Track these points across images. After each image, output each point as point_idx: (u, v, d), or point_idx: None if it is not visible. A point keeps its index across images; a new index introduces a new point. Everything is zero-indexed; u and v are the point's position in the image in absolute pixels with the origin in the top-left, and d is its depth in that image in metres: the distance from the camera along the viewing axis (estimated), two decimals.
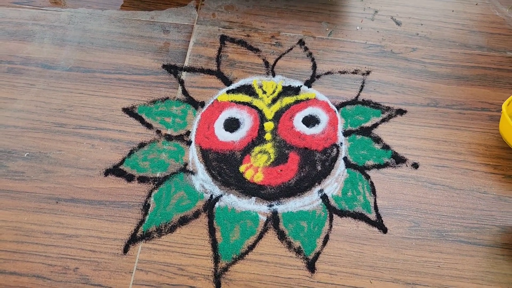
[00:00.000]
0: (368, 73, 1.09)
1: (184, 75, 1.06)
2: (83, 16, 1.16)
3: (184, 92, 1.04)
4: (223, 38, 1.13)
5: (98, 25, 1.15)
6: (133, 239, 0.85)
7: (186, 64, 1.08)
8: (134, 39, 1.12)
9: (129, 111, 1.01)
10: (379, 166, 0.95)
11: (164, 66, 1.08)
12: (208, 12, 1.18)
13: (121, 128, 0.98)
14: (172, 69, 1.08)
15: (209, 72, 1.07)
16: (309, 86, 1.06)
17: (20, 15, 1.16)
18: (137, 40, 1.12)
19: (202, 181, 0.92)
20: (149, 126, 0.99)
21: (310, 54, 1.11)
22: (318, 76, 1.08)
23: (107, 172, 0.92)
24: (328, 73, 1.08)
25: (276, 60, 1.10)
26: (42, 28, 1.14)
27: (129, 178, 0.92)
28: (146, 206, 0.89)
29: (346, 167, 0.95)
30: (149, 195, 0.90)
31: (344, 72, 1.08)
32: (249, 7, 1.20)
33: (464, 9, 1.22)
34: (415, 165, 0.95)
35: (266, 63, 1.09)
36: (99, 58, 1.09)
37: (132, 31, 1.14)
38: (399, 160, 0.96)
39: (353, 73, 1.08)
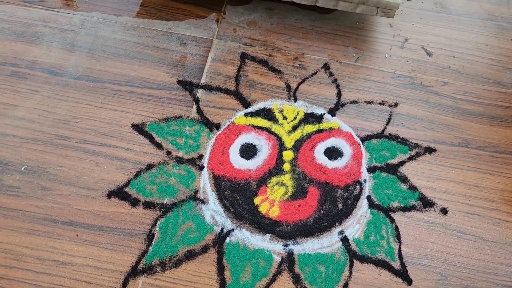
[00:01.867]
0: (396, 105, 1.02)
1: (200, 93, 0.99)
2: (96, 21, 1.09)
3: (199, 111, 0.97)
4: (243, 56, 1.06)
5: (112, 32, 1.08)
6: (134, 272, 0.77)
7: (202, 81, 1.01)
8: (149, 49, 1.05)
9: (139, 128, 0.93)
10: (405, 209, 0.88)
11: (179, 82, 1.01)
12: (229, 26, 1.11)
13: (129, 146, 0.91)
14: (188, 86, 1.00)
15: (226, 91, 1.00)
16: (333, 115, 0.99)
17: (30, 15, 1.09)
18: (152, 51, 1.05)
19: (213, 211, 0.84)
20: (159, 146, 0.91)
21: (335, 80, 1.05)
22: (343, 105, 1.01)
23: (110, 194, 0.85)
24: (353, 102, 1.01)
25: (299, 84, 1.03)
26: (51, 31, 1.06)
27: (134, 202, 0.84)
28: (150, 236, 0.81)
29: (369, 208, 0.87)
30: (155, 224, 0.82)
31: (370, 102, 1.01)
32: (273, 24, 1.13)
33: (499, 44, 1.15)
34: (444, 211, 0.88)
35: (288, 87, 1.02)
36: (110, 67, 1.01)
37: (147, 41, 1.07)
38: (426, 203, 0.89)
39: (380, 104, 1.01)
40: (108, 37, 1.07)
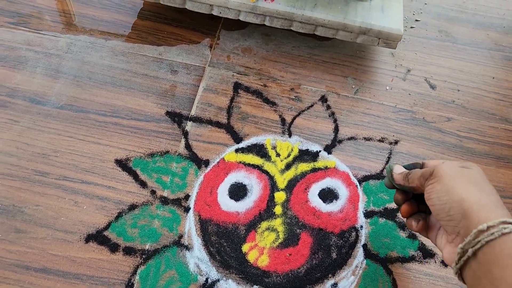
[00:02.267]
0: (396, 142, 0.96)
1: (189, 126, 0.94)
2: (83, 45, 1.04)
3: (188, 146, 0.91)
4: (236, 86, 1.01)
5: (99, 57, 1.02)
6: None
7: (192, 113, 0.96)
8: (137, 77, 1.00)
9: (123, 164, 0.88)
10: (403, 260, 0.82)
11: (167, 113, 0.96)
12: (223, 53, 1.06)
13: (111, 184, 0.85)
14: (177, 118, 0.95)
15: (217, 125, 0.95)
16: (329, 152, 0.93)
17: (14, 38, 1.04)
18: (140, 79, 1.00)
19: (198, 259, 0.79)
20: (143, 184, 0.86)
21: (333, 114, 0.99)
22: (340, 141, 0.95)
23: (89, 238, 0.79)
24: (351, 138, 0.96)
25: (294, 118, 0.98)
26: (36, 55, 1.01)
27: (114, 248, 0.79)
28: (129, 286, 0.75)
29: (365, 257, 0.82)
30: (135, 272, 0.77)
31: (369, 139, 0.96)
32: (269, 52, 1.08)
33: (506, 77, 1.10)
34: (444, 262, 0.82)
35: (283, 120, 0.97)
36: (96, 96, 0.96)
37: (136, 67, 1.02)
38: (426, 254, 0.83)
39: (379, 141, 0.96)
40: (95, 63, 1.02)
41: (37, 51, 1.02)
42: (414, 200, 0.67)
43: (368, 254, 0.82)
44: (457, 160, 0.54)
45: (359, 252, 0.82)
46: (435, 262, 0.82)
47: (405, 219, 0.70)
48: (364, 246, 0.83)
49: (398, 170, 0.66)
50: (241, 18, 1.01)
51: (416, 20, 1.18)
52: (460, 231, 0.51)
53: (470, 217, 0.49)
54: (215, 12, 1.01)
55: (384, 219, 0.86)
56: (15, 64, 0.99)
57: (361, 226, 0.85)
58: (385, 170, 0.62)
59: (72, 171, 0.86)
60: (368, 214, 0.86)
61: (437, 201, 0.54)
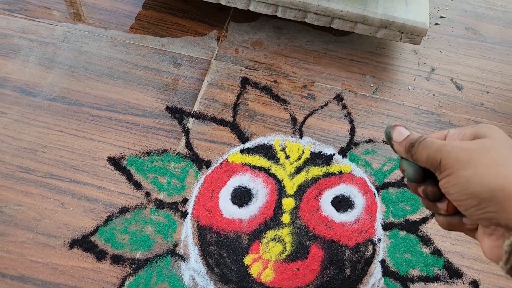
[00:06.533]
0: None
1: (191, 123, 0.85)
2: (81, 34, 0.97)
3: (188, 145, 0.83)
4: (244, 81, 0.92)
5: (97, 47, 0.95)
6: None
7: (195, 109, 0.87)
8: (137, 69, 0.92)
9: (116, 162, 0.80)
10: (426, 279, 0.72)
11: (168, 109, 0.87)
12: (231, 46, 0.98)
13: (102, 184, 0.77)
14: (178, 114, 0.87)
15: (222, 122, 0.86)
16: (344, 156, 0.84)
17: (8, 25, 0.96)
18: (140, 72, 0.92)
19: (194, 271, 0.70)
20: (137, 185, 0.78)
21: (349, 114, 0.90)
22: (356, 144, 0.86)
23: (73, 244, 0.71)
24: (369, 141, 0.87)
25: (307, 117, 0.89)
26: (30, 44, 0.94)
27: (100, 255, 0.70)
28: None
29: (383, 275, 0.72)
30: (122, 284, 0.68)
31: None
32: (281, 46, 0.99)
33: None
34: (475, 284, 0.72)
35: (294, 120, 0.88)
36: (91, 89, 0.88)
37: (136, 59, 0.94)
38: (453, 273, 0.73)
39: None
40: (93, 53, 0.94)
41: (32, 39, 0.95)
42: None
43: (386, 271, 0.72)
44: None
45: (377, 269, 0.72)
46: (463, 284, 0.72)
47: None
48: (382, 262, 0.73)
49: (399, 137, 0.43)
50: (251, 8, 0.93)
51: (441, 17, 1.09)
52: (500, 221, 0.36)
53: (507, 205, 0.35)
54: (223, 2, 0.93)
55: (405, 232, 0.76)
56: (6, 52, 0.92)
57: (379, 239, 0.75)
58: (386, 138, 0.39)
59: (60, 169, 0.78)
60: (387, 226, 0.77)
61: (460, 197, 0.38)
